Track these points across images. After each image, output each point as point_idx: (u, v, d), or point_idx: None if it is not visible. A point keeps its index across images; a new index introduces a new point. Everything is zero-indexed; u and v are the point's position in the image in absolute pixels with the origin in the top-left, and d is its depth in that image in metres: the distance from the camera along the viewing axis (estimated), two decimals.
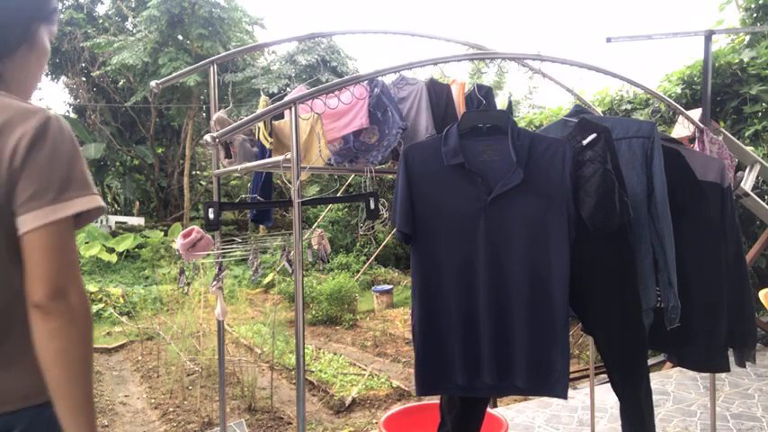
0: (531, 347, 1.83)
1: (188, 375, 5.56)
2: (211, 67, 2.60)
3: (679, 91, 5.68)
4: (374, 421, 4.52)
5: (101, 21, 17.15)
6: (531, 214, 1.83)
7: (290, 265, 2.07)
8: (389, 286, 9.76)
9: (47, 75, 18.09)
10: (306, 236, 2.61)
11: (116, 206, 20.39)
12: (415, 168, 1.89)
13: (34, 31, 1.19)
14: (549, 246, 1.83)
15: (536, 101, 17.83)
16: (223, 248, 2.38)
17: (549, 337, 1.83)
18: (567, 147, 1.86)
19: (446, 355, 1.88)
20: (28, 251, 1.00)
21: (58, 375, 0.99)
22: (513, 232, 1.83)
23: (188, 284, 2.31)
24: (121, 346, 7.37)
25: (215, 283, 2.32)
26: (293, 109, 1.81)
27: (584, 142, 1.91)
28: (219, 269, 2.32)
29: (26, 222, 0.99)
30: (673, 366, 4.46)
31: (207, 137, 1.89)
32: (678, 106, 2.67)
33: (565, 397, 1.86)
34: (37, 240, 0.99)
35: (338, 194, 8.62)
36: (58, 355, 0.99)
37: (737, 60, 5.38)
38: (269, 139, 2.18)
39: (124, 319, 8.56)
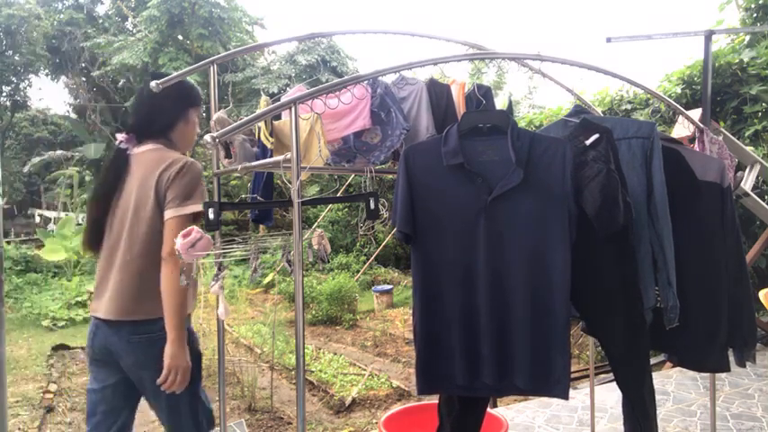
0: (530, 347, 1.83)
1: None
2: (211, 67, 2.59)
3: (679, 91, 5.68)
4: (374, 421, 4.52)
5: (101, 21, 17.17)
6: (532, 214, 1.83)
7: (290, 265, 2.06)
8: (389, 286, 9.76)
9: (47, 75, 18.13)
10: (306, 236, 2.62)
11: None
12: (416, 169, 1.89)
13: (187, 113, 2.19)
14: (550, 246, 1.83)
15: (536, 101, 17.84)
16: (223, 248, 2.37)
17: (549, 337, 1.83)
18: (568, 146, 1.86)
19: (446, 354, 1.88)
20: (165, 229, 1.95)
21: (165, 298, 1.92)
22: (514, 232, 1.83)
23: (187, 284, 2.31)
24: None
25: (213, 282, 2.32)
26: (293, 109, 1.81)
27: (587, 142, 1.91)
28: (219, 269, 2.32)
29: (167, 214, 1.97)
30: (673, 366, 4.45)
31: (207, 137, 1.89)
32: (678, 106, 2.67)
33: (566, 397, 1.86)
34: (169, 224, 1.95)
35: (338, 194, 8.62)
36: (165, 287, 1.92)
37: (737, 60, 5.38)
38: (270, 139, 2.17)
39: None
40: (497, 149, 1.87)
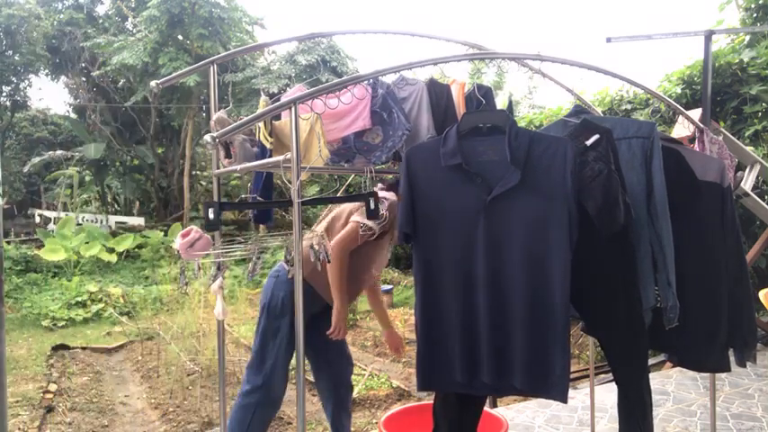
0: (529, 348, 1.82)
1: (188, 375, 5.56)
2: (211, 67, 2.59)
3: (679, 91, 5.68)
4: (374, 421, 4.51)
5: (101, 21, 17.14)
6: (531, 214, 1.82)
7: (288, 265, 2.07)
8: (389, 286, 9.76)
9: (47, 75, 18.11)
10: (306, 236, 2.61)
11: (116, 206, 20.38)
12: (417, 170, 1.91)
13: None
14: (550, 246, 1.82)
15: (536, 101, 17.83)
16: (223, 248, 2.37)
17: (548, 338, 1.82)
18: (569, 145, 1.84)
19: (446, 352, 1.90)
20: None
21: (329, 276, 2.48)
22: (513, 232, 1.83)
23: (186, 284, 2.32)
24: (121, 346, 7.37)
25: (211, 281, 2.32)
26: (293, 109, 1.81)
27: (588, 143, 1.91)
28: (218, 269, 2.32)
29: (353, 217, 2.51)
30: (673, 366, 4.45)
31: (207, 137, 1.89)
32: (678, 106, 2.67)
33: (564, 401, 1.83)
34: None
35: (338, 194, 8.60)
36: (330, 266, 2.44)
37: (737, 60, 5.37)
38: (269, 139, 2.17)
39: (124, 319, 8.56)
40: (497, 150, 1.86)
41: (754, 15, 6.24)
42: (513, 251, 1.83)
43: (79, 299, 9.37)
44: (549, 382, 1.83)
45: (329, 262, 2.55)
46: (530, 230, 1.82)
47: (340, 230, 2.53)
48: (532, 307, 1.82)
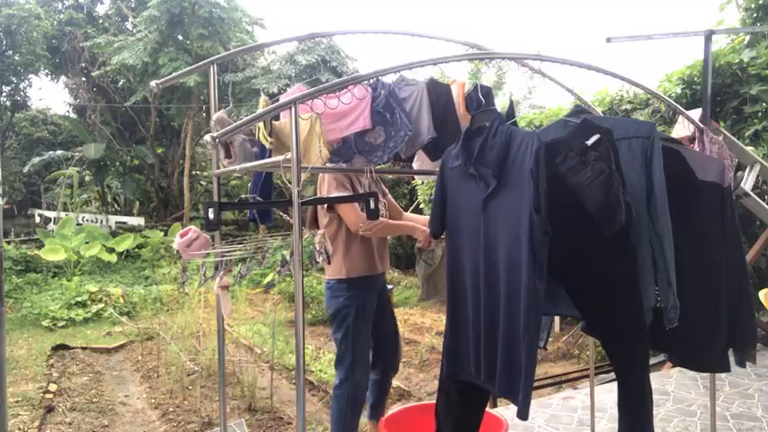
0: (503, 354, 1.79)
1: (188, 375, 5.56)
2: (211, 67, 2.60)
3: (679, 91, 5.67)
4: None
5: (101, 21, 17.16)
6: (510, 213, 1.80)
7: (283, 266, 2.09)
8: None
9: (47, 75, 18.12)
10: (306, 236, 2.62)
11: (116, 206, 20.40)
12: (446, 172, 2.05)
13: None
14: (521, 249, 1.74)
15: (536, 101, 17.79)
16: (223, 248, 2.38)
17: (515, 347, 1.76)
18: (535, 139, 1.77)
19: (463, 345, 1.98)
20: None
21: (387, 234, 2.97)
22: (501, 232, 1.83)
23: (183, 284, 2.33)
24: (121, 346, 7.37)
25: (202, 282, 2.32)
26: (293, 109, 1.81)
27: (589, 143, 1.91)
28: (216, 269, 2.32)
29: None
30: (673, 366, 4.45)
31: (207, 137, 1.89)
32: (678, 106, 2.67)
33: (522, 417, 1.73)
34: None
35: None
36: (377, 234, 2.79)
37: (737, 60, 5.37)
38: (268, 139, 2.17)
39: (124, 319, 8.56)
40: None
41: (754, 15, 6.24)
42: (500, 251, 1.82)
43: (79, 299, 9.37)
44: (514, 392, 1.77)
45: (329, 263, 2.56)
46: (511, 230, 1.78)
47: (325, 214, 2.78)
48: (508, 313, 1.78)
